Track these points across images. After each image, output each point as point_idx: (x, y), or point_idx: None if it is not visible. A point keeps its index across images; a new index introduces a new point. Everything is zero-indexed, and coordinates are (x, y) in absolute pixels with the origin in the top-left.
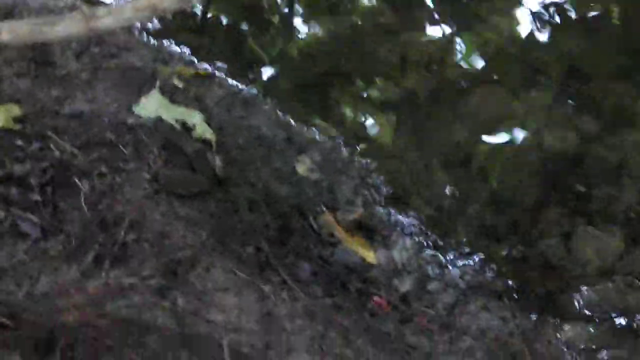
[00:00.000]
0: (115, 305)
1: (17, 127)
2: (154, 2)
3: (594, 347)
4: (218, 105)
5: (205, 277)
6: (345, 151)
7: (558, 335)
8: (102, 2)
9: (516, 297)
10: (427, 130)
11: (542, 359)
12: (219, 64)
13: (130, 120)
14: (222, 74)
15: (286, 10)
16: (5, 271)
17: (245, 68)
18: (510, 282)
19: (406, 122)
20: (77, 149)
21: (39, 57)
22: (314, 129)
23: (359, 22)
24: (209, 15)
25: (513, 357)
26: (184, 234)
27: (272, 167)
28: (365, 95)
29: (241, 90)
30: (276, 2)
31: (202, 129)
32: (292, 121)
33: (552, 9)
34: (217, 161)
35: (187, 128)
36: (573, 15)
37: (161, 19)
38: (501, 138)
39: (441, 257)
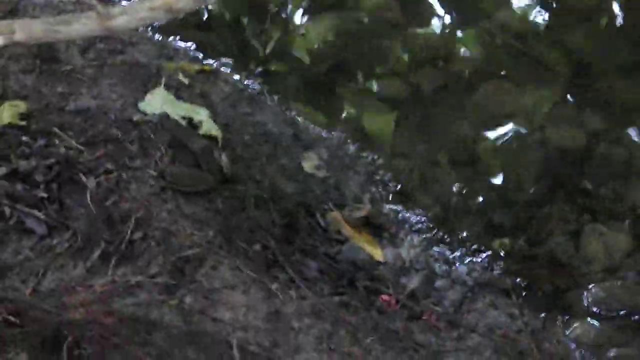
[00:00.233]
0: (122, 303)
1: (23, 123)
2: (169, 1)
3: (602, 344)
4: (224, 101)
5: (213, 275)
6: (352, 148)
7: (566, 333)
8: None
9: (524, 294)
10: (433, 126)
11: (550, 357)
12: (224, 60)
13: (136, 117)
14: (228, 70)
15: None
16: (11, 268)
17: (251, 64)
18: (518, 280)
19: (412, 118)
20: (82, 145)
21: (44, 53)
22: (320, 125)
23: (365, 18)
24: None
25: (521, 355)
26: (190, 231)
27: (278, 164)
28: (371, 91)
29: (247, 86)
30: None
31: (208, 126)
32: (298, 118)
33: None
34: (224, 158)
35: (193, 125)
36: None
37: None
38: (507, 134)
39: (448, 254)
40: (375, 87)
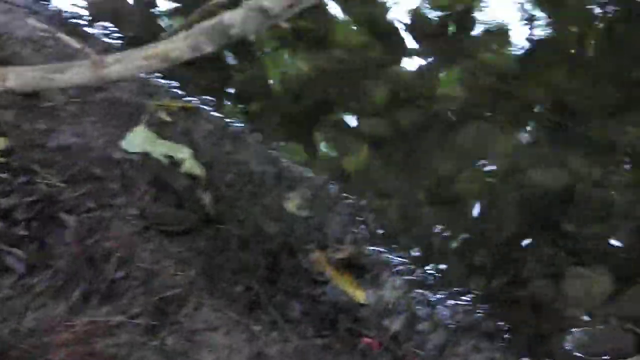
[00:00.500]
0: (104, 344)
1: (3, 160)
2: (164, 51)
3: None
4: (206, 140)
5: (195, 316)
6: (334, 188)
7: None
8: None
9: (507, 338)
10: (414, 166)
11: None
12: (205, 97)
13: (117, 155)
14: (209, 107)
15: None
16: None
17: (233, 102)
18: (500, 323)
19: (393, 157)
20: (64, 183)
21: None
22: (301, 164)
23: (347, 57)
24: None
25: None
26: (173, 271)
27: (261, 204)
28: (352, 129)
29: (229, 124)
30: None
31: (191, 165)
32: (280, 156)
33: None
34: (206, 197)
35: (175, 163)
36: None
37: None
38: (488, 174)
39: (431, 297)
40: (356, 125)
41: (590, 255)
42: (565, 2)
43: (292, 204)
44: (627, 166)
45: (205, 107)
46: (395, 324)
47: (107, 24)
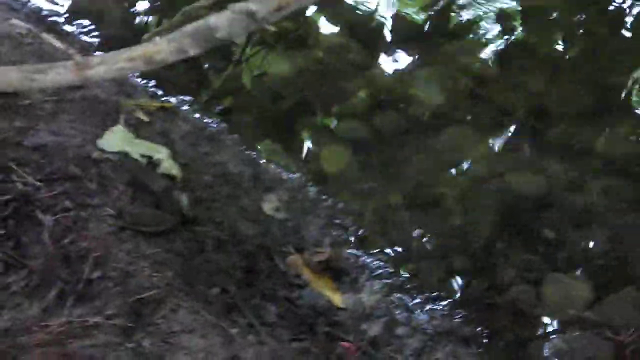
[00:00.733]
0: (79, 345)
1: None
2: (149, 52)
3: None
4: (183, 140)
5: (171, 318)
6: (312, 190)
7: None
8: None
9: (485, 343)
10: (393, 169)
11: None
12: (183, 97)
13: (94, 154)
14: (187, 107)
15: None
16: None
17: (210, 102)
18: (479, 328)
19: (372, 160)
20: (40, 182)
21: None
22: (279, 165)
23: (325, 57)
24: None
25: None
26: (149, 273)
27: (238, 205)
28: (330, 131)
29: (206, 125)
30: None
31: (168, 165)
32: (258, 158)
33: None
34: (184, 199)
35: (152, 163)
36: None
37: None
38: (467, 179)
39: (409, 301)
40: (335, 127)
41: (569, 261)
42: (543, 7)
43: (270, 205)
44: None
45: (183, 107)
46: (374, 328)
47: (85, 22)
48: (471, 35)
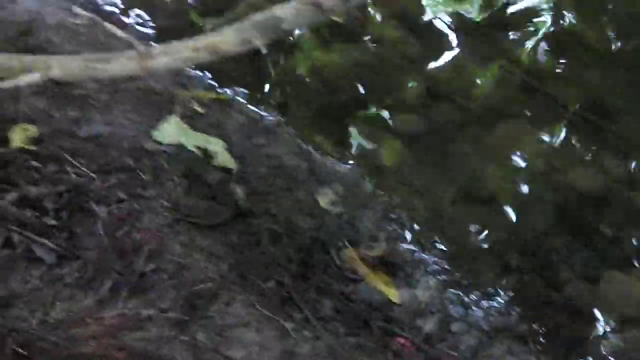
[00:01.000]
0: (133, 337)
1: (33, 148)
2: (213, 43)
3: None
4: (239, 132)
5: (226, 311)
6: (368, 184)
7: None
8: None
9: (541, 341)
10: (449, 164)
11: None
12: (239, 89)
13: (149, 146)
14: (243, 99)
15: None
16: (19, 297)
17: (266, 94)
18: (535, 326)
19: (428, 154)
20: (94, 173)
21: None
22: (335, 159)
23: (383, 51)
24: None
25: None
26: (204, 265)
27: (293, 198)
28: (386, 125)
29: (262, 117)
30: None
31: (223, 157)
32: (313, 150)
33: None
34: (239, 191)
35: (208, 155)
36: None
37: None
38: (523, 174)
39: (465, 297)
40: (391, 121)
41: (626, 259)
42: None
43: (325, 199)
44: None
45: (238, 99)
46: (429, 324)
47: (141, 13)
48: (527, 28)
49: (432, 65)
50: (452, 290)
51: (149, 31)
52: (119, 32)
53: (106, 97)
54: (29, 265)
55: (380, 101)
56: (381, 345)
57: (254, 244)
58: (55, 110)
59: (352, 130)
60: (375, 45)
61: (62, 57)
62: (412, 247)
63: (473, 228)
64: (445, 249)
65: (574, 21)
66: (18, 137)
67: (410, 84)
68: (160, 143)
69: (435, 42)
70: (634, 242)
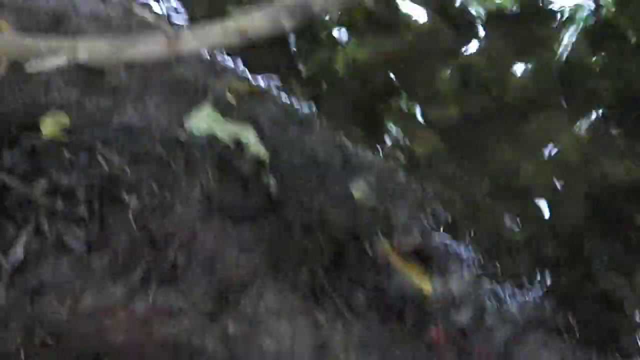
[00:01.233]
0: (164, 328)
1: (65, 137)
2: (243, 26)
3: None
4: (272, 123)
5: (258, 302)
6: (402, 176)
7: None
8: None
9: (577, 334)
10: (483, 155)
11: None
12: (272, 79)
13: (181, 136)
14: (276, 90)
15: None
16: (49, 287)
17: (299, 85)
18: (571, 318)
19: (463, 145)
20: (126, 163)
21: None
22: (369, 151)
23: (416, 42)
24: None
25: None
26: (236, 257)
27: (327, 190)
28: (420, 116)
29: (296, 108)
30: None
31: (256, 148)
32: (347, 142)
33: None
34: (272, 182)
35: (240, 146)
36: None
37: None
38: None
39: (499, 290)
40: (423, 112)
41: None
42: None
43: (359, 191)
44: None
45: (272, 89)
46: (463, 317)
47: (175, 3)
48: (562, 18)
49: (466, 55)
50: (486, 282)
51: (183, 22)
52: (149, 17)
53: (138, 87)
54: (59, 254)
55: (413, 92)
56: (414, 337)
57: (287, 235)
58: (87, 100)
59: (386, 121)
60: (409, 36)
61: (89, 40)
62: (446, 239)
63: (507, 220)
64: (479, 240)
65: (612, 12)
66: (49, 126)
67: (443, 75)
68: (192, 133)
69: (470, 31)
70: None
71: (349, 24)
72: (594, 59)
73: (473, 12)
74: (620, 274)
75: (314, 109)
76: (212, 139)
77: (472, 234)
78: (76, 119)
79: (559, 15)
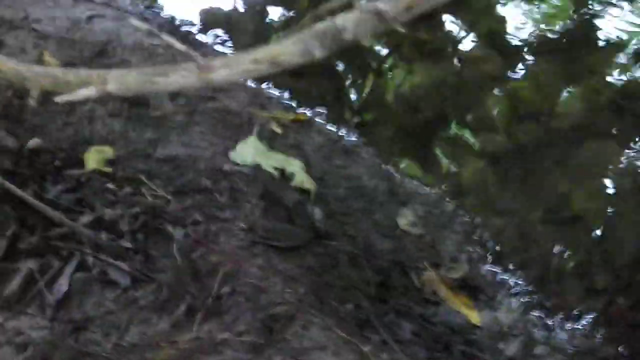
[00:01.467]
0: None
1: (109, 169)
2: (273, 54)
3: None
4: (317, 153)
5: (303, 334)
6: (449, 205)
7: None
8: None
9: None
10: (533, 183)
11: None
12: (318, 109)
13: (226, 167)
14: (322, 119)
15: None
16: (93, 320)
17: (346, 114)
18: (621, 348)
19: (512, 174)
20: (170, 194)
21: (133, 97)
22: (416, 180)
23: (463, 70)
24: None
25: None
26: (281, 288)
27: (372, 220)
28: (468, 144)
29: (341, 137)
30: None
31: (302, 178)
32: (393, 171)
33: None
34: (317, 213)
35: (286, 176)
36: None
37: None
38: (609, 193)
39: (548, 320)
40: (473, 140)
41: None
42: None
43: (405, 220)
44: None
45: (317, 119)
46: (511, 348)
47: (219, 32)
48: (613, 45)
49: (515, 82)
50: (535, 312)
51: (228, 50)
52: (177, 45)
53: (183, 118)
54: (103, 288)
55: (462, 120)
56: None
57: (332, 266)
58: (131, 132)
59: (434, 150)
60: (457, 63)
61: (119, 70)
62: (494, 268)
63: (557, 249)
64: (528, 270)
65: None
66: (93, 158)
67: (493, 103)
68: (237, 164)
69: (519, 59)
70: None
71: (397, 52)
72: None
73: (521, 38)
74: None
75: (360, 137)
76: (257, 170)
77: (521, 263)
78: (120, 150)
79: (608, 41)
